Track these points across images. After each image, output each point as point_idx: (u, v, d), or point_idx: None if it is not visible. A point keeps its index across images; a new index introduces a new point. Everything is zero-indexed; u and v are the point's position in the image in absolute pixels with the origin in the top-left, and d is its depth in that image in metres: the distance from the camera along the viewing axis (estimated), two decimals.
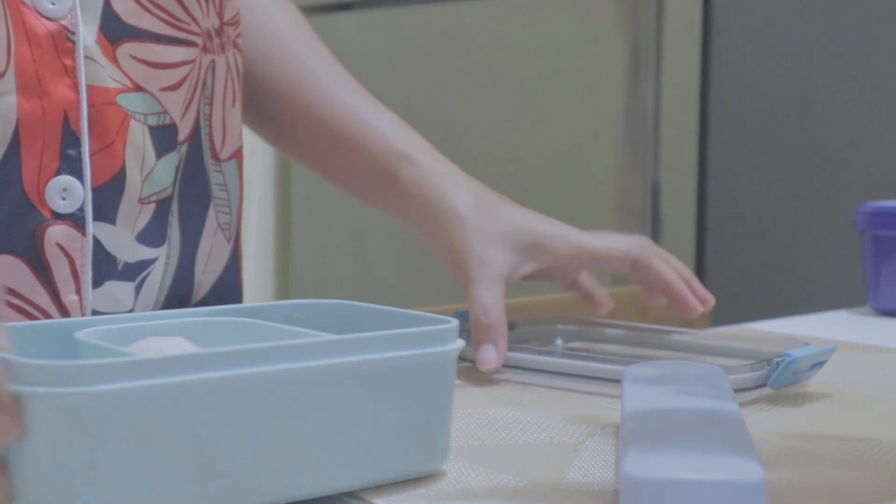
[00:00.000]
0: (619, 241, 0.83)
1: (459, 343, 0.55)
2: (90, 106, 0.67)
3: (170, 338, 0.55)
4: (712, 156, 1.85)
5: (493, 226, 0.79)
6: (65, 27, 0.66)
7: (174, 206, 0.75)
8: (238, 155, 0.81)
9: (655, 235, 1.86)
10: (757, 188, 1.81)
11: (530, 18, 1.99)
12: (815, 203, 1.75)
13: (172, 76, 0.72)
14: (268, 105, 0.86)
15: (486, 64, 2.06)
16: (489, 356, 0.76)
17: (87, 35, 0.67)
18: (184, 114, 0.74)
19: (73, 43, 0.67)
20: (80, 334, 0.54)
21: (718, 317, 1.33)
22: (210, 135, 0.78)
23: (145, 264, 0.72)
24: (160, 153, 0.72)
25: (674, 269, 0.83)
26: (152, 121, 0.71)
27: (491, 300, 0.77)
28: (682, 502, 0.45)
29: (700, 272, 1.87)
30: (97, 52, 0.68)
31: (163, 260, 0.74)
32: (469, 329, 0.78)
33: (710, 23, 1.82)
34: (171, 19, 0.72)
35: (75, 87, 0.67)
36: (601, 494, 0.53)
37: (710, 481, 0.46)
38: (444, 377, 0.54)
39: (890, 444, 0.62)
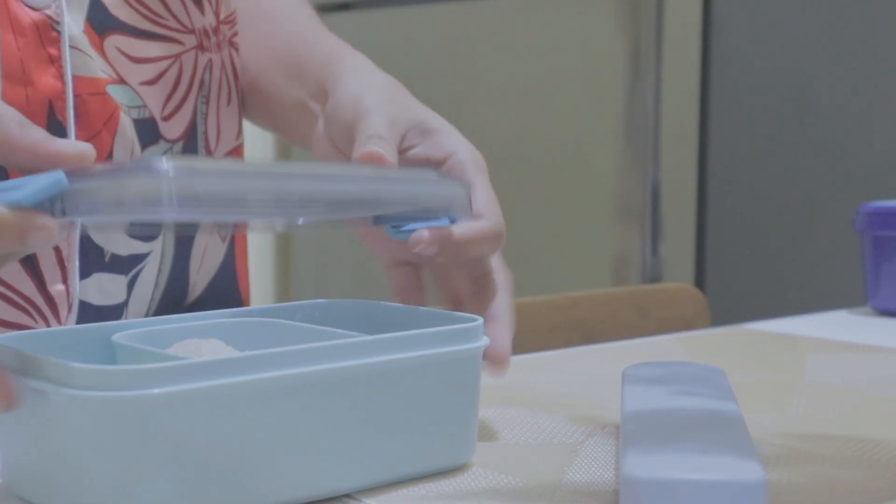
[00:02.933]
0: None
1: (485, 340, 0.57)
2: (76, 96, 0.67)
3: (206, 339, 0.56)
4: (712, 156, 1.85)
5: (398, 100, 0.70)
6: (49, 17, 0.66)
7: None
8: (235, 153, 0.81)
9: (655, 235, 1.86)
10: (757, 188, 1.81)
11: (530, 18, 1.99)
12: (815, 203, 1.75)
13: (149, 71, 0.72)
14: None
15: (487, 64, 2.06)
16: (375, 145, 0.63)
17: (73, 25, 0.68)
18: (174, 111, 0.74)
19: (58, 33, 0.67)
20: (117, 337, 0.55)
21: (718, 317, 1.33)
22: (206, 133, 0.78)
23: (138, 259, 0.72)
24: (144, 145, 0.72)
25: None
26: (134, 114, 0.71)
27: (387, 132, 0.65)
28: (682, 502, 0.45)
29: (700, 272, 1.87)
30: (84, 43, 0.68)
31: (157, 256, 0.74)
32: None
33: (710, 23, 1.82)
34: (150, 14, 0.72)
35: (60, 76, 0.67)
36: (601, 494, 0.53)
37: (711, 481, 0.46)
38: (472, 372, 0.56)
39: (890, 444, 0.62)
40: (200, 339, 0.57)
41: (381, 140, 0.64)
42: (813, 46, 1.73)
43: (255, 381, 0.48)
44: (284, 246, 2.51)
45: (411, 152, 0.69)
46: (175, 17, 0.74)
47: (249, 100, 0.83)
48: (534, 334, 1.09)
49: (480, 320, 0.57)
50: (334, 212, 0.52)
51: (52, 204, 0.47)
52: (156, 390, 0.46)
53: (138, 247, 0.72)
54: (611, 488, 0.54)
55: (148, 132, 0.73)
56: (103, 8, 0.70)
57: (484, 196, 0.67)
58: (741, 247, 1.83)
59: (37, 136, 0.49)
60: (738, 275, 1.83)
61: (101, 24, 0.69)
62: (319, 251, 2.34)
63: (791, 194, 1.77)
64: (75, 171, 0.48)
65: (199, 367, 0.47)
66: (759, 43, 1.79)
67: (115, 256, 0.71)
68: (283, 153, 2.42)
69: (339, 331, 0.57)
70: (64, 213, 0.47)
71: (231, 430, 0.48)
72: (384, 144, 0.64)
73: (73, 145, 0.49)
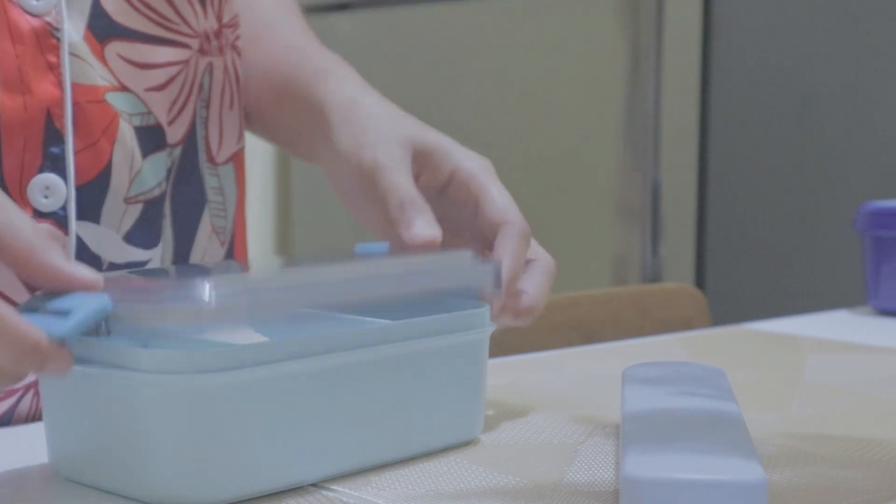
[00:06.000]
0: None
1: (492, 325, 0.61)
2: (74, 104, 0.67)
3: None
4: (712, 156, 1.85)
5: (402, 126, 0.70)
6: (49, 24, 0.66)
7: (167, 209, 0.74)
8: (236, 158, 0.81)
9: (655, 235, 1.86)
10: (757, 188, 1.81)
11: (530, 18, 1.99)
12: (815, 203, 1.75)
13: (158, 76, 0.72)
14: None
15: (487, 64, 2.06)
16: (424, 227, 0.64)
17: (73, 32, 0.67)
18: (175, 116, 0.74)
19: (58, 40, 0.66)
20: None
21: (718, 317, 1.33)
22: (206, 138, 0.77)
23: (135, 266, 0.72)
24: (146, 153, 0.71)
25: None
26: (136, 121, 0.70)
27: (410, 185, 0.67)
28: (683, 502, 0.45)
29: (700, 272, 1.87)
30: (84, 50, 0.68)
31: (156, 263, 0.73)
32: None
33: (710, 23, 1.82)
34: (160, 19, 0.72)
35: (59, 84, 0.66)
36: (601, 494, 0.53)
37: (711, 481, 0.46)
38: (481, 354, 0.61)
39: (890, 444, 0.62)
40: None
41: (414, 206, 0.65)
42: (813, 46, 1.73)
43: (309, 364, 0.52)
44: (284, 246, 2.51)
45: (418, 183, 0.69)
46: (185, 21, 0.74)
47: (251, 114, 0.83)
48: (534, 334, 1.09)
49: (487, 306, 0.61)
50: (372, 309, 0.56)
51: (96, 326, 0.49)
52: (225, 372, 0.49)
53: (137, 254, 0.72)
54: (611, 488, 0.54)
55: (152, 139, 0.72)
56: (105, 15, 0.69)
57: (500, 198, 0.67)
58: (741, 247, 1.83)
59: (52, 259, 0.50)
60: (738, 275, 1.83)
61: (102, 31, 0.69)
62: (320, 248, 2.34)
63: (791, 194, 1.77)
64: (119, 289, 0.50)
65: (262, 350, 0.51)
66: (759, 43, 1.79)
67: (112, 265, 0.71)
68: (283, 161, 2.43)
69: (352, 317, 0.61)
70: (108, 332, 0.50)
71: (283, 410, 0.52)
72: (420, 212, 0.65)
73: (86, 276, 0.50)
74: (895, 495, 0.53)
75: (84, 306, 0.48)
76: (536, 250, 0.69)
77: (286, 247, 2.50)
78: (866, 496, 0.53)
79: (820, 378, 0.79)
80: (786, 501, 0.52)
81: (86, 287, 0.50)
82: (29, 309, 0.50)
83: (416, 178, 0.70)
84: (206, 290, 0.48)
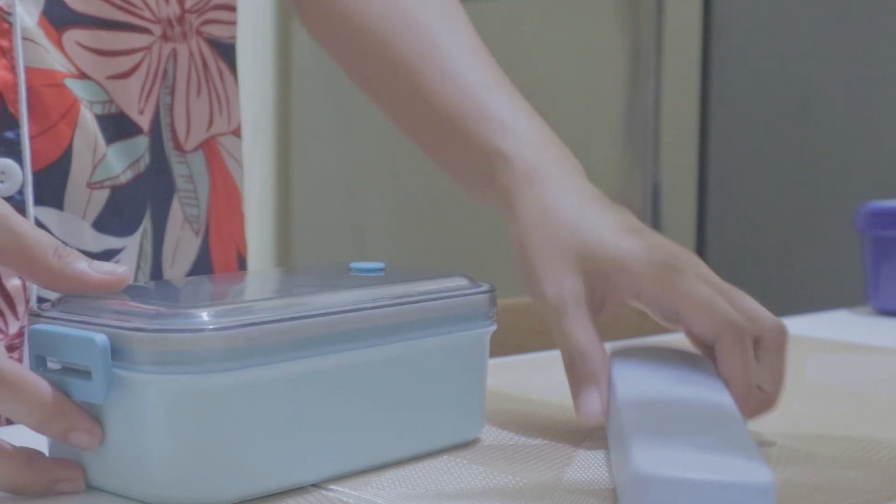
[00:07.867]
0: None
1: (492, 325, 0.61)
2: (29, 87, 0.66)
3: None
4: (712, 156, 1.85)
5: (573, 236, 0.65)
6: (0, 8, 0.66)
7: (141, 197, 0.74)
8: (207, 146, 0.80)
9: None
10: (757, 188, 1.81)
11: (531, 18, 1.99)
12: (815, 203, 1.75)
13: (122, 64, 0.71)
14: (389, 79, 0.76)
15: None
16: (593, 404, 0.61)
17: (26, 17, 0.67)
18: (144, 104, 0.73)
19: (10, 24, 0.66)
20: None
21: None
22: (172, 125, 0.77)
23: (110, 254, 0.71)
24: (110, 140, 0.71)
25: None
26: (97, 109, 0.70)
27: (584, 333, 0.63)
28: (690, 501, 0.45)
29: None
30: (39, 35, 0.67)
31: (133, 250, 0.73)
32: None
33: (710, 23, 1.83)
34: (123, 3, 0.71)
35: (12, 68, 0.66)
36: (601, 493, 0.53)
37: (722, 482, 0.45)
38: (482, 354, 0.61)
39: (890, 444, 0.62)
40: None
41: (584, 365, 0.62)
42: (813, 46, 1.73)
43: (309, 364, 0.52)
44: (284, 244, 2.51)
45: (603, 311, 0.65)
46: (148, 6, 0.73)
47: (394, 114, 0.78)
48: (534, 334, 1.09)
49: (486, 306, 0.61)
50: (366, 338, 0.55)
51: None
52: (225, 372, 0.49)
53: (110, 242, 0.71)
54: (610, 487, 0.54)
55: (115, 127, 0.71)
56: (61, 2, 0.69)
57: (704, 304, 0.63)
58: (741, 247, 1.83)
59: (76, 268, 0.52)
60: (738, 275, 1.83)
61: (58, 18, 0.68)
62: (319, 248, 2.34)
63: (791, 194, 1.77)
64: (116, 312, 0.51)
65: (262, 350, 0.50)
66: (759, 43, 1.79)
67: (87, 254, 0.70)
68: (283, 162, 2.43)
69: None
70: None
71: (283, 410, 0.51)
72: (588, 378, 0.62)
73: (111, 274, 0.52)
74: (895, 495, 0.53)
75: (94, 363, 0.49)
76: (763, 319, 0.63)
77: (286, 245, 2.50)
78: (866, 496, 0.53)
79: (820, 378, 0.79)
80: (786, 501, 0.52)
81: (113, 285, 0.52)
82: (41, 366, 0.52)
83: (600, 305, 0.65)
84: (206, 316, 0.49)
